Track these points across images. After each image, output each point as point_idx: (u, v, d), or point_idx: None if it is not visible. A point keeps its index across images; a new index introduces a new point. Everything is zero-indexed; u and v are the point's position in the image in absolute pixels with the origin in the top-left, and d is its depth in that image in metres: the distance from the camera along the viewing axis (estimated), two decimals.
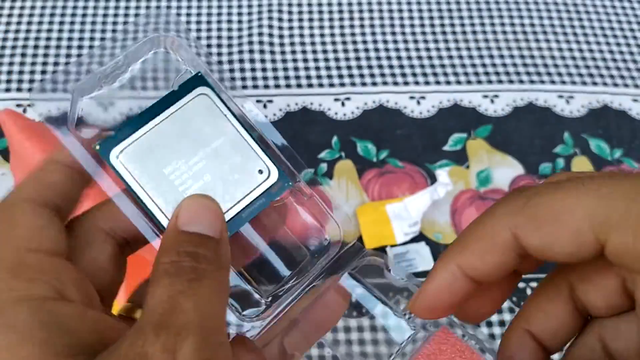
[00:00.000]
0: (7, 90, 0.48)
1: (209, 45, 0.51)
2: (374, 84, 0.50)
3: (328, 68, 0.51)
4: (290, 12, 0.53)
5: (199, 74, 0.22)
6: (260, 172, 0.22)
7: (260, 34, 0.52)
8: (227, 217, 0.21)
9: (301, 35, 0.52)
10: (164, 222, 0.21)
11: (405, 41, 0.53)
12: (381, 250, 0.44)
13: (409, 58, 0.52)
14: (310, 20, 0.53)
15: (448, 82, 0.51)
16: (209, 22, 0.52)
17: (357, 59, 0.51)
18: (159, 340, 0.15)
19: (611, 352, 0.19)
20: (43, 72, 0.49)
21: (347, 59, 0.51)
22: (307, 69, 0.50)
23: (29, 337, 0.16)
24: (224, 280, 0.18)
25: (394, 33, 0.53)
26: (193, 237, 0.18)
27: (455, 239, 0.20)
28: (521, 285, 0.43)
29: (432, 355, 0.22)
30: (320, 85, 0.50)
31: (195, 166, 0.22)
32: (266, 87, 0.49)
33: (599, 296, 0.19)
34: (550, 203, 0.17)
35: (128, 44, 0.22)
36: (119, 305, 0.22)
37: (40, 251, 0.19)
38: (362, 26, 0.53)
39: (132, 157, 0.21)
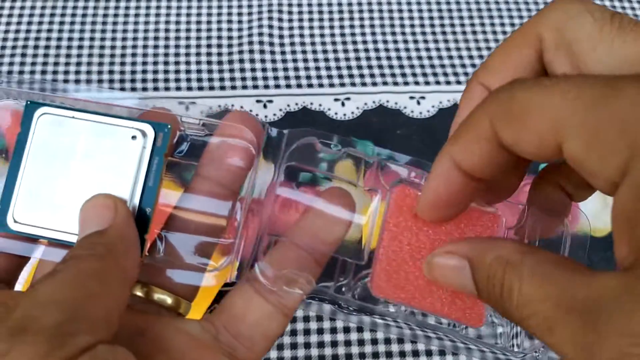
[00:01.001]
0: None
1: (209, 45, 0.51)
2: (374, 84, 0.50)
3: (328, 68, 0.51)
4: (290, 12, 0.54)
5: (29, 102, 0.22)
6: (134, 137, 0.22)
7: (260, 34, 0.52)
8: (137, 195, 0.21)
9: (301, 35, 0.52)
10: None
11: (405, 41, 0.53)
12: None
13: (409, 58, 0.52)
14: (310, 20, 0.53)
15: (448, 82, 0.51)
16: (209, 22, 0.52)
17: (357, 59, 0.51)
18: None
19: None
20: (43, 73, 0.49)
21: (347, 59, 0.51)
22: (307, 69, 0.50)
23: None
24: (88, 267, 0.18)
25: (394, 33, 0.53)
26: (77, 243, 0.19)
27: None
28: None
29: (395, 211, 0.22)
30: (320, 85, 0.50)
31: (77, 177, 0.22)
32: (266, 87, 0.49)
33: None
34: (525, 99, 0.17)
35: None
36: None
37: None
38: (362, 26, 0.53)
39: (25, 212, 0.21)
